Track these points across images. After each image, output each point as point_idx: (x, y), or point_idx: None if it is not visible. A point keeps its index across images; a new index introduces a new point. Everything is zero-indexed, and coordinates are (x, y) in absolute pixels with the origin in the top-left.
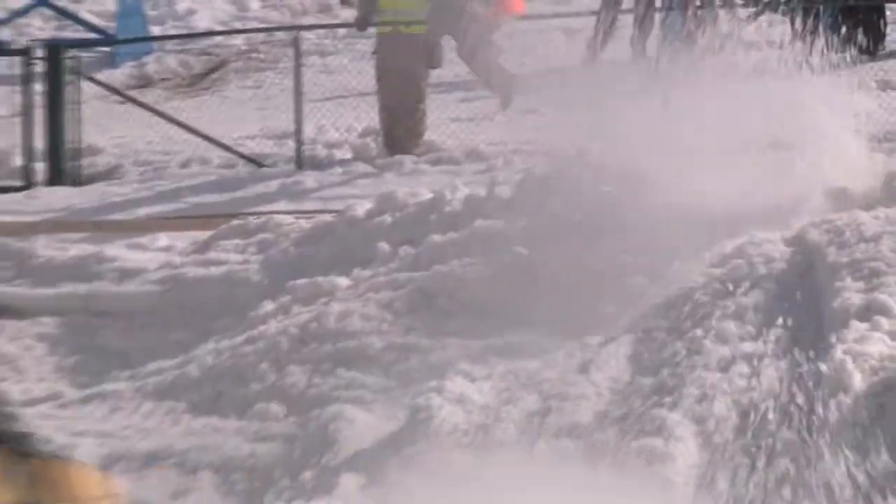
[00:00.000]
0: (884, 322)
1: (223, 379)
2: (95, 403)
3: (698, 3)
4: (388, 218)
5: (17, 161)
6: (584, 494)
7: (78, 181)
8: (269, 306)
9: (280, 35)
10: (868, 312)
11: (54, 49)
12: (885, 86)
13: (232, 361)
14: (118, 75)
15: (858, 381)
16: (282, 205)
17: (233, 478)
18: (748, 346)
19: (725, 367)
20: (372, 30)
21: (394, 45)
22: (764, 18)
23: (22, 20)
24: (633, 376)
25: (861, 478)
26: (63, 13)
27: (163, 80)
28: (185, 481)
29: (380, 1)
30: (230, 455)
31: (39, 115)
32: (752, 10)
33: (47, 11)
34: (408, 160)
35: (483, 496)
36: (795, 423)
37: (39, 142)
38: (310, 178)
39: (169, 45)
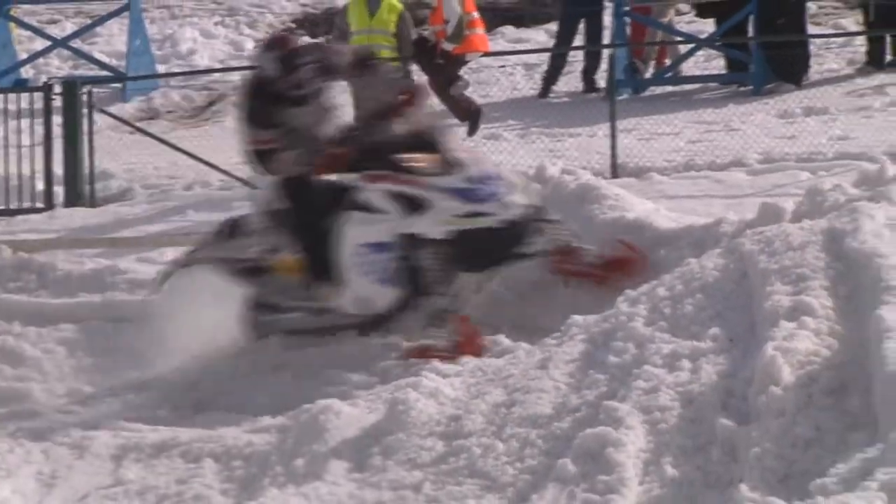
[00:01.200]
0: (809, 321)
1: (224, 377)
2: (110, 400)
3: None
4: None
5: (40, 185)
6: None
7: (93, 203)
8: None
9: None
10: (795, 313)
11: (71, 85)
12: (809, 112)
13: (232, 361)
14: (128, 108)
15: (787, 375)
16: None
17: (232, 465)
18: (690, 344)
19: (670, 363)
20: None
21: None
22: (701, 53)
23: (41, 60)
24: (587, 372)
25: (789, 460)
26: (78, 53)
27: (168, 112)
28: (190, 468)
29: (352, 38)
30: (230, 445)
31: (58, 145)
32: (691, 45)
33: (64, 52)
34: None
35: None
36: (732, 413)
37: (59, 168)
38: None
39: (173, 81)
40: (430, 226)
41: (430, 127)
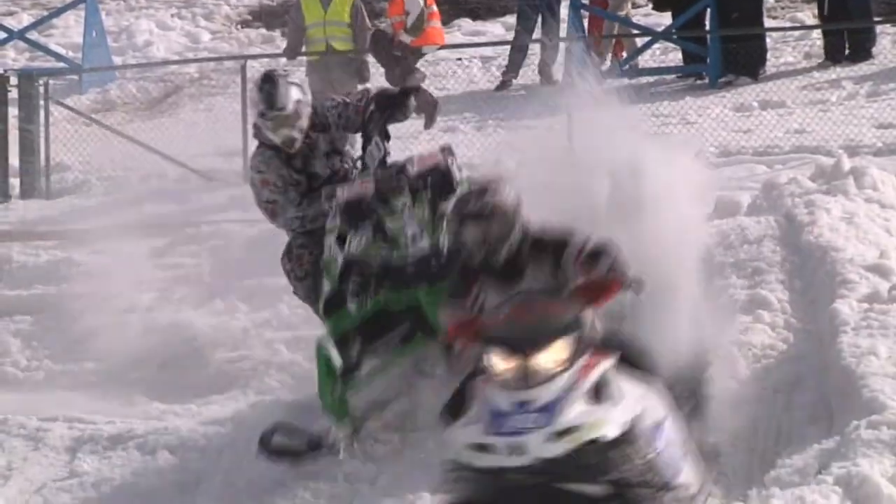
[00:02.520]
0: (765, 315)
1: (180, 367)
2: (66, 392)
3: (600, 33)
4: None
5: None
6: None
7: (49, 195)
8: (219, 304)
9: (229, 63)
10: (751, 306)
11: (27, 77)
12: (765, 105)
13: (186, 352)
14: (84, 100)
15: (743, 368)
16: (230, 214)
17: (187, 457)
18: (645, 336)
19: None
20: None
21: (324, 67)
22: (658, 46)
23: None
24: None
25: (746, 453)
26: (35, 45)
27: (124, 104)
28: (146, 460)
29: (308, 32)
30: (185, 437)
31: (14, 137)
32: (647, 38)
33: (21, 44)
34: None
35: None
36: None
37: (15, 160)
38: None
39: (129, 73)
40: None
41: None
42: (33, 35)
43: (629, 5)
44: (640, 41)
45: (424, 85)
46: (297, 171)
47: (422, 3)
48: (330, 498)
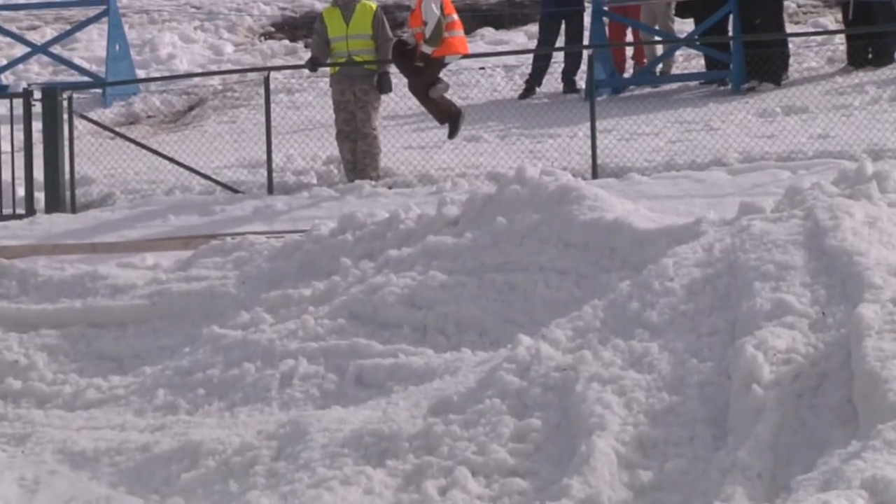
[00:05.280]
0: (790, 319)
1: (206, 379)
2: (92, 405)
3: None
4: (349, 236)
5: (20, 192)
6: None
7: (74, 208)
8: (245, 316)
9: (252, 75)
10: (775, 311)
11: (51, 91)
12: (788, 110)
13: (211, 363)
14: (108, 114)
15: (767, 372)
16: (255, 226)
17: (209, 463)
18: (668, 341)
19: (651, 362)
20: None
21: (347, 79)
22: (680, 53)
23: (21, 66)
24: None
25: (771, 457)
26: (58, 59)
27: (148, 117)
28: (172, 471)
29: (332, 45)
30: (213, 448)
31: (39, 151)
32: (670, 45)
33: (44, 58)
34: (366, 184)
35: None
36: (713, 410)
37: (39, 174)
38: (280, 202)
39: (153, 86)
40: None
41: None
42: (56, 49)
43: (670, 21)
44: (663, 48)
45: (447, 94)
46: None
47: (438, 12)
48: None
